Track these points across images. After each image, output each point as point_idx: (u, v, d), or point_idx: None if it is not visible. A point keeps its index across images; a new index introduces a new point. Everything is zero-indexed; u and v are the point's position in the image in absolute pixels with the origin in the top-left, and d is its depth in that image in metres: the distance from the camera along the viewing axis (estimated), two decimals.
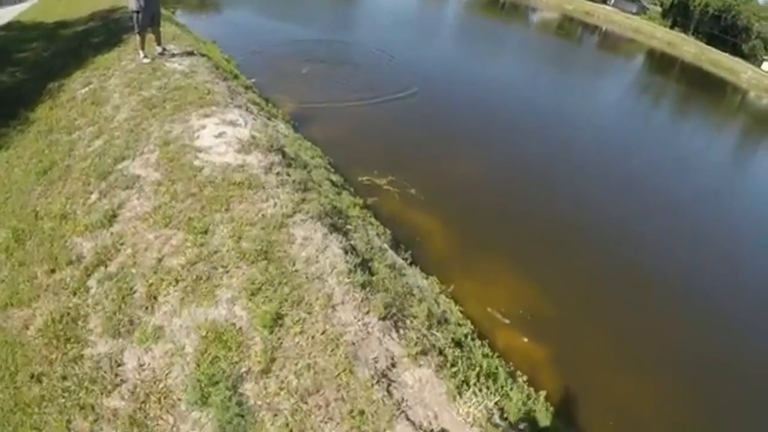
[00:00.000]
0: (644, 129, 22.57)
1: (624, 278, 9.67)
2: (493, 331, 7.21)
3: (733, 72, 49.06)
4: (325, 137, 11.51)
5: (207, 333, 4.11)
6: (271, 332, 4.12)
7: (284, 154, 7.27)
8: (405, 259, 7.36)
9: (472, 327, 6.56)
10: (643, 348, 7.97)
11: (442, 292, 7.09)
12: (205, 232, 5.03)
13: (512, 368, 6.13)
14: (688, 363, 7.96)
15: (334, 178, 8.87)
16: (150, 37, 9.71)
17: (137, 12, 9.02)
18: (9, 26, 13.62)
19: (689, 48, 52.45)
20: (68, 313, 4.63)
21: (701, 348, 8.34)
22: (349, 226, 6.38)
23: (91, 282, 4.86)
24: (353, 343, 4.18)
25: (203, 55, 10.82)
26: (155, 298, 4.46)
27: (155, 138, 6.84)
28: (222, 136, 6.79)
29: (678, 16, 56.35)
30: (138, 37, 9.49)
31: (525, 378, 5.95)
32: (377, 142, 12.68)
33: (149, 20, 9.34)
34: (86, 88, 9.32)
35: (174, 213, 5.36)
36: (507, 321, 7.59)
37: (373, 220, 8.15)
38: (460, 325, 6.38)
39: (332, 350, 4.07)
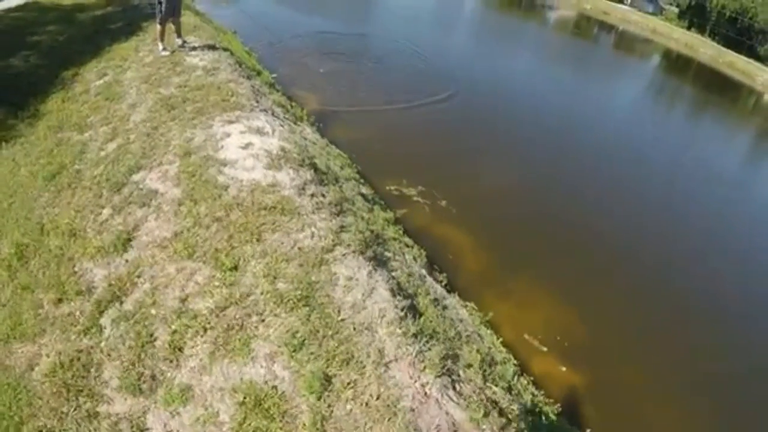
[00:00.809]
0: (677, 136, 21.75)
1: (664, 301, 9.06)
2: (531, 360, 6.89)
3: (749, 75, 48.18)
4: (350, 139, 10.95)
5: (245, 398, 3.50)
6: (320, 398, 3.53)
7: (316, 168, 6.64)
8: (441, 282, 6.89)
9: (516, 362, 6.10)
10: (685, 377, 7.49)
11: (483, 322, 6.59)
12: (235, 268, 4.41)
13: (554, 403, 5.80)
14: (736, 396, 7.41)
15: (364, 190, 8.25)
16: (170, 27, 9.03)
17: (160, 2, 8.35)
18: (26, 6, 12.91)
19: (706, 50, 51.51)
20: (79, 357, 4.03)
21: (748, 382, 7.76)
22: (388, 253, 5.78)
23: (105, 320, 4.25)
24: (412, 410, 3.60)
25: (225, 49, 10.15)
26: (180, 349, 3.86)
27: (175, 146, 6.20)
28: (249, 148, 6.15)
29: (695, 17, 55.21)
30: (159, 28, 8.83)
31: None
32: (404, 145, 12.03)
33: (172, 11, 8.67)
34: (101, 80, 8.67)
35: (198, 242, 4.73)
36: (544, 348, 7.24)
37: (407, 240, 7.55)
38: (505, 362, 5.84)
39: (390, 419, 3.48)
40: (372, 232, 5.94)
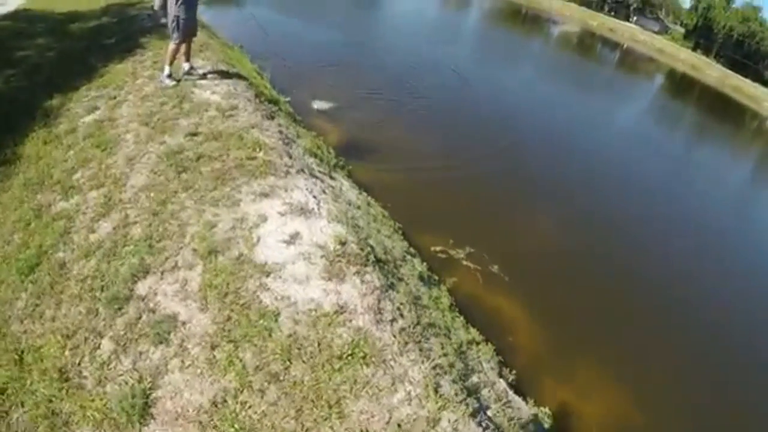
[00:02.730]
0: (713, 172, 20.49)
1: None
2: None
3: (755, 99, 47.84)
4: (384, 184, 9.39)
5: None
6: None
7: (378, 259, 5.00)
8: (508, 379, 5.55)
9: None
10: None
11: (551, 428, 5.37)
12: None
13: None
14: None
15: (418, 264, 6.64)
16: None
17: (178, 16, 6.68)
18: (15, 15, 11.18)
19: (712, 72, 51.08)
20: None
21: None
22: (474, 377, 4.26)
23: None
24: None
25: (239, 76, 8.45)
26: None
27: (193, 236, 4.52)
28: (296, 241, 4.49)
29: (701, 38, 54.71)
30: (172, 48, 7.12)
31: None
32: (447, 195, 10.49)
33: (192, 28, 7.04)
34: (91, 117, 6.96)
35: (252, 422, 3.05)
36: None
37: (474, 332, 6.01)
38: None
39: None
40: (454, 349, 4.39)
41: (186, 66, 7.78)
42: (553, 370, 6.93)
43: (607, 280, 9.51)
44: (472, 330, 6.20)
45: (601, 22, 54.32)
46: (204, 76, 7.92)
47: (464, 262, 8.51)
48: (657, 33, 55.27)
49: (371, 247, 5.21)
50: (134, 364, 3.57)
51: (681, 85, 47.62)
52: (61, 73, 8.40)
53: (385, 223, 7.28)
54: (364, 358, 3.47)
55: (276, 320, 3.67)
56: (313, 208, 5.09)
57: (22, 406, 3.55)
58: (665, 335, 8.49)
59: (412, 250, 7.28)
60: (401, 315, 4.14)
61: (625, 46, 52.68)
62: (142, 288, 4.18)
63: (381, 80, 16.21)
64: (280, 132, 6.58)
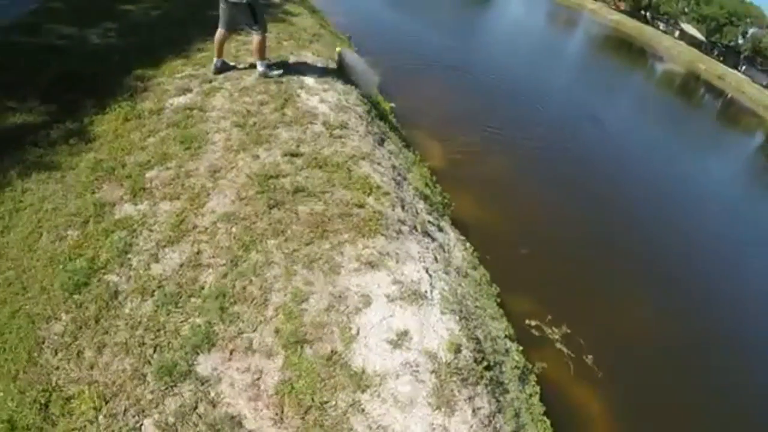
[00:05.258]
0: None
1: None
2: None
3: None
4: (487, 232, 8.29)
5: None
6: None
7: (488, 367, 3.88)
8: None
9: None
10: None
11: None
12: None
13: None
14: None
15: (516, 356, 5.50)
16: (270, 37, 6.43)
17: None
18: None
19: None
20: None
21: None
22: None
23: None
24: None
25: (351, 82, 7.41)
26: None
27: (277, 309, 3.52)
28: (403, 343, 3.43)
29: None
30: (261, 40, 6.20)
31: None
32: (553, 257, 9.27)
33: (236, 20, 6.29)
34: (181, 99, 6.06)
35: None
36: None
37: None
38: None
39: None
40: None
41: (260, 67, 6.79)
42: None
43: (711, 396, 8.01)
44: None
45: (710, 66, 51.03)
46: (314, 71, 6.90)
47: (558, 345, 7.34)
48: (765, 87, 51.56)
49: (483, 351, 4.08)
50: None
51: None
52: (159, 39, 7.61)
53: (486, 291, 6.13)
54: None
55: None
56: (425, 291, 3.99)
57: None
58: None
59: (510, 330, 6.12)
60: None
61: (729, 95, 49.47)
62: (204, 365, 3.21)
63: (484, 103, 14.94)
64: (393, 167, 5.49)
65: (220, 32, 6.35)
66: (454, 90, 13.94)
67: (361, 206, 4.52)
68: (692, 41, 61.52)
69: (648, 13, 69.72)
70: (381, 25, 17.30)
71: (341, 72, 7.22)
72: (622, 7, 69.73)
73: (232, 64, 6.84)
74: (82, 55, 6.92)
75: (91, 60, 6.81)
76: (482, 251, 7.38)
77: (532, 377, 5.75)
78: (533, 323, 7.33)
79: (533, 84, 19.95)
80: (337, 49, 6.83)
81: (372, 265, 3.96)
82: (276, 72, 6.57)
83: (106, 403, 3.05)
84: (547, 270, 8.79)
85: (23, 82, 6.07)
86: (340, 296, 3.66)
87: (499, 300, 6.59)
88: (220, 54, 6.59)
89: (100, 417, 2.97)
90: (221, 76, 6.60)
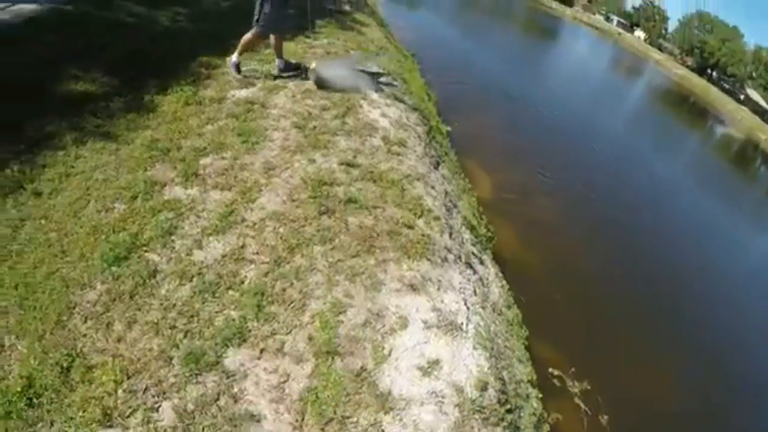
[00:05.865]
0: None
1: None
2: None
3: None
4: (528, 274, 8.03)
5: None
6: None
7: (509, 410, 3.73)
8: None
9: None
10: None
11: None
12: None
13: None
14: None
15: (536, 404, 5.29)
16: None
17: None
18: None
19: None
20: None
21: None
22: None
23: None
24: None
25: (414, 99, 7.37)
26: None
27: (314, 316, 3.46)
28: (433, 372, 3.34)
29: None
30: (247, 38, 6.41)
31: None
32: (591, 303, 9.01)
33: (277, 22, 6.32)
34: (243, 92, 6.13)
35: None
36: None
37: None
38: None
39: None
40: None
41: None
42: None
43: None
44: None
45: None
46: (378, 83, 6.89)
47: (575, 400, 7.03)
48: None
49: (507, 393, 3.93)
50: None
51: None
52: (227, 29, 7.72)
53: (517, 332, 5.95)
54: None
55: None
56: (462, 323, 3.88)
57: (51, 425, 2.71)
58: None
59: (533, 375, 5.92)
60: None
61: None
62: (232, 359, 3.16)
63: (541, 138, 14.69)
64: (446, 192, 5.41)
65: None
66: (513, 121, 13.77)
67: (410, 227, 4.44)
68: (755, 108, 59.86)
69: (714, 73, 68.29)
70: (448, 46, 17.32)
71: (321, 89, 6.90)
72: (689, 63, 68.49)
73: (294, 62, 6.86)
74: (150, 34, 7.07)
75: (159, 41, 6.96)
76: (517, 291, 7.20)
77: (546, 426, 5.55)
78: (556, 372, 7.07)
79: (592, 125, 19.64)
80: (312, 65, 6.69)
81: (414, 288, 3.87)
82: (289, 73, 6.57)
83: (128, 378, 3.02)
84: (579, 320, 8.51)
85: (90, 54, 6.20)
86: (378, 314, 3.58)
87: (527, 343, 6.40)
88: (279, 54, 6.64)
89: (120, 390, 2.94)
90: (286, 75, 6.64)
